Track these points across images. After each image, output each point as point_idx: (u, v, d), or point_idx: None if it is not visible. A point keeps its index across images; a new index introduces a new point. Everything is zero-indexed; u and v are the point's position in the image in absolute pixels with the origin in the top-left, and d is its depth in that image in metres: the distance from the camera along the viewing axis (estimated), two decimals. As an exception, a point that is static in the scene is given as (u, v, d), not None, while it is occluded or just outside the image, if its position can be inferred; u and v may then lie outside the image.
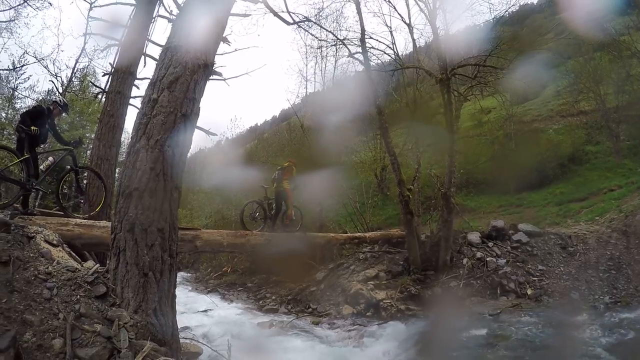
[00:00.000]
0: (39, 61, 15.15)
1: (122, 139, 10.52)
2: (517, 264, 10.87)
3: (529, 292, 10.02)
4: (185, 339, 6.21)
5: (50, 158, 6.66)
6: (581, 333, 7.34)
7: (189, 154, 5.15)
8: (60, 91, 13.94)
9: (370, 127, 16.86)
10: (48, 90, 17.70)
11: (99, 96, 10.95)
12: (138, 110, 4.91)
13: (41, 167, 6.54)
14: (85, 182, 9.55)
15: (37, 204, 6.97)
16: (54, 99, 7.21)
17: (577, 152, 16.81)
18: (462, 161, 13.93)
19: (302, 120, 16.88)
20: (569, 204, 14.50)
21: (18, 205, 6.27)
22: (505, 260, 10.94)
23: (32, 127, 6.17)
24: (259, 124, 39.00)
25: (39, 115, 6.61)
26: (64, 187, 7.73)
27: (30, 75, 18.06)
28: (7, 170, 6.58)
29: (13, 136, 14.99)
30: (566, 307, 9.07)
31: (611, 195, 13.62)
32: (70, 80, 15.02)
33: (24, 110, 7.72)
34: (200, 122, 5.09)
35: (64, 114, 7.44)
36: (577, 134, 17.62)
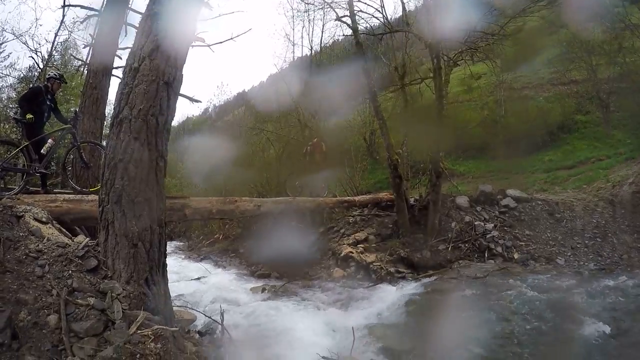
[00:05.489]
0: (17, 37, 14.68)
1: (107, 111, 10.35)
2: (505, 228, 11.05)
3: (516, 256, 10.23)
4: (179, 306, 6.28)
5: (50, 140, 6.61)
6: (567, 298, 7.52)
7: (175, 122, 5.08)
8: (41, 67, 13.50)
9: (359, 92, 16.65)
10: (29, 67, 17.19)
11: (81, 69, 10.66)
12: (120, 81, 4.79)
13: (42, 150, 6.51)
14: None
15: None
16: (48, 76, 7.08)
17: (566, 120, 16.78)
18: (451, 126, 13.90)
19: (290, 85, 16.63)
20: (557, 171, 14.68)
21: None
22: (493, 225, 11.11)
23: (28, 116, 6.29)
24: (246, 90, 38.40)
25: (36, 96, 6.61)
26: (68, 164, 7.75)
27: (10, 53, 17.41)
28: (9, 160, 6.60)
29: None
30: (552, 272, 9.26)
31: (599, 165, 13.78)
32: (50, 55, 14.46)
33: (21, 96, 7.65)
34: (185, 89, 5.00)
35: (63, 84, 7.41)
36: (567, 103, 17.56)
